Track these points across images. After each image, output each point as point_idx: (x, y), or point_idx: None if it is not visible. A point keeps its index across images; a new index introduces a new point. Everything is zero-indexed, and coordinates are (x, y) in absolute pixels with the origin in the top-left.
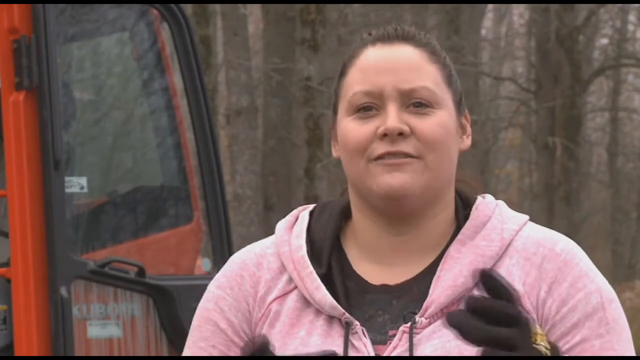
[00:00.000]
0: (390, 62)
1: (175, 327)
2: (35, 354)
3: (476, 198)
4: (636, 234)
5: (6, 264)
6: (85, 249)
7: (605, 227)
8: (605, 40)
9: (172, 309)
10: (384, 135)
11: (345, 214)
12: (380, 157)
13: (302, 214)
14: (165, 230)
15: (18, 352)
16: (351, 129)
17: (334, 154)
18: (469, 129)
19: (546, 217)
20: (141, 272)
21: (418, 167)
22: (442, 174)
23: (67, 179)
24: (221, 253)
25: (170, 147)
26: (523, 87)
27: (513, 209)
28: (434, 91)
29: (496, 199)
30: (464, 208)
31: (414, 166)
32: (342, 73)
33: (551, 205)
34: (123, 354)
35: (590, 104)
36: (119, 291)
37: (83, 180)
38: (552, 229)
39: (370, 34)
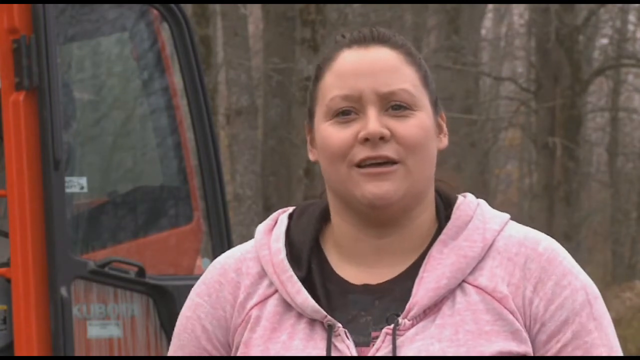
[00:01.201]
0: (367, 65)
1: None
2: (35, 354)
3: (457, 197)
4: (636, 234)
5: (6, 264)
6: (85, 249)
7: (605, 227)
8: (605, 40)
9: (172, 309)
10: (366, 139)
11: (325, 216)
12: (362, 161)
13: (281, 217)
14: (165, 230)
15: (18, 352)
16: (331, 133)
17: (311, 157)
18: (445, 128)
19: (546, 217)
20: (141, 272)
21: (400, 172)
22: (423, 176)
23: (67, 179)
24: (221, 253)
25: (170, 147)
26: (523, 87)
27: (513, 209)
28: (413, 93)
29: (496, 199)
30: (444, 208)
31: (397, 173)
32: (318, 77)
33: (551, 205)
34: (123, 354)
35: (590, 104)
36: (119, 291)
37: (83, 180)
38: (552, 228)
39: (344, 36)
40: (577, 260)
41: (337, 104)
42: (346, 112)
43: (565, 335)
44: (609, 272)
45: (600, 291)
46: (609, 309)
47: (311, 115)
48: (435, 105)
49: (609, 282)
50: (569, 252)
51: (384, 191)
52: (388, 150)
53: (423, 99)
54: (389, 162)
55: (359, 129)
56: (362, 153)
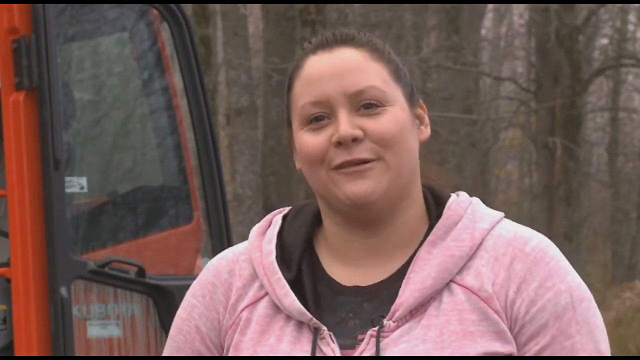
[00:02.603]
0: (332, 68)
1: None
2: (35, 354)
3: (449, 196)
4: (636, 234)
5: (6, 264)
6: (85, 249)
7: (605, 227)
8: (605, 40)
9: (172, 309)
10: (339, 143)
11: (319, 217)
12: (339, 165)
13: (275, 218)
14: (165, 230)
15: (18, 352)
16: (306, 140)
17: (297, 165)
18: (426, 119)
19: (546, 217)
20: (141, 272)
21: (379, 168)
22: (403, 169)
23: (67, 179)
24: None
25: (170, 147)
26: (523, 87)
27: (513, 209)
28: (382, 89)
29: (496, 199)
30: (436, 207)
31: (376, 169)
32: (289, 87)
33: (551, 205)
34: (123, 354)
35: (590, 104)
36: (119, 291)
37: (83, 180)
38: (552, 229)
39: (310, 42)
40: (577, 261)
41: (307, 111)
42: (319, 118)
43: (545, 338)
44: (609, 272)
45: (600, 291)
46: (609, 309)
47: (289, 124)
48: (411, 97)
49: (609, 282)
50: (569, 252)
51: (365, 189)
52: (363, 152)
53: (395, 93)
54: (366, 162)
55: (332, 133)
56: (338, 157)
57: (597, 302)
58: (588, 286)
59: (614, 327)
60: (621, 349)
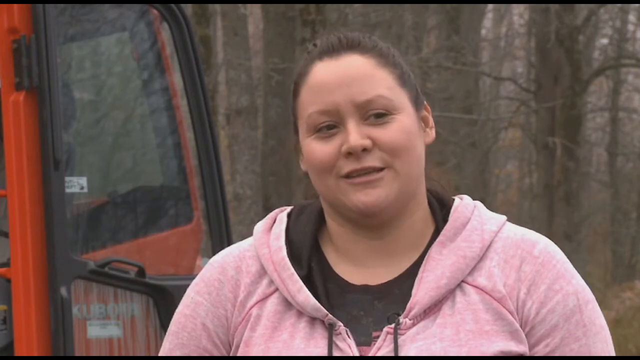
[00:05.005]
0: (340, 77)
1: None
2: (35, 354)
3: (453, 199)
4: (636, 234)
5: (6, 264)
6: (85, 249)
7: (605, 227)
8: (605, 40)
9: (172, 309)
10: (349, 153)
11: (323, 216)
12: (349, 174)
13: (280, 216)
14: (165, 230)
15: (18, 352)
16: (314, 149)
17: (303, 167)
18: (431, 121)
19: (546, 217)
20: (141, 272)
21: (388, 177)
22: (412, 175)
23: (67, 179)
24: None
25: (170, 147)
26: (523, 87)
27: (513, 209)
28: (390, 97)
29: (496, 199)
30: (440, 209)
31: (385, 179)
32: (295, 93)
33: (551, 205)
34: (123, 354)
35: (590, 104)
36: (119, 291)
37: (83, 180)
38: (552, 228)
39: (315, 45)
40: (577, 260)
41: (315, 120)
42: (327, 126)
43: (554, 340)
44: (609, 272)
45: (600, 291)
46: (609, 309)
47: (296, 130)
48: (416, 100)
49: (609, 282)
50: (569, 252)
51: (374, 198)
52: (372, 161)
53: (402, 99)
54: (376, 170)
55: (341, 142)
56: (347, 166)
57: (597, 301)
58: (588, 286)
59: (614, 327)
60: (621, 349)
